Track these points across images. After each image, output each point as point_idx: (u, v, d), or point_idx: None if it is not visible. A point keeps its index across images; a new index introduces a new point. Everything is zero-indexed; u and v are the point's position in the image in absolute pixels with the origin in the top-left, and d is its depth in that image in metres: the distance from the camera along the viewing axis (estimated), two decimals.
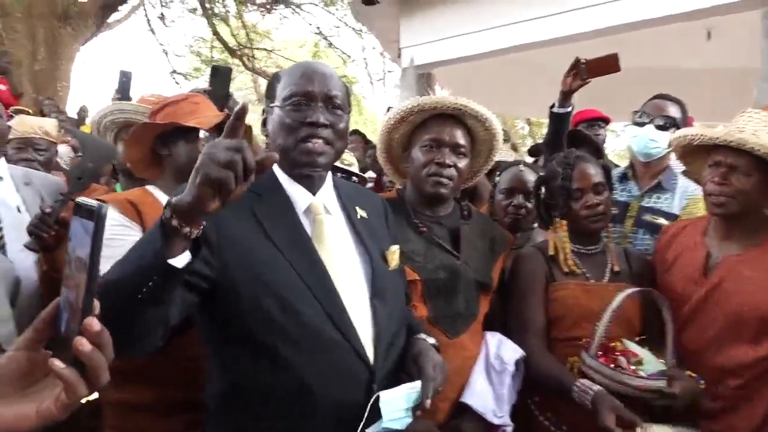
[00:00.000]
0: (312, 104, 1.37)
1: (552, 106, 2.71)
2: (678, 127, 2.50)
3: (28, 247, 2.05)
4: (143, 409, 1.79)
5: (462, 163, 1.87)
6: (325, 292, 1.32)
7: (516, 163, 2.55)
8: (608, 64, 2.57)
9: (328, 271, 1.35)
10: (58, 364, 0.69)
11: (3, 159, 2.46)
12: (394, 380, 1.40)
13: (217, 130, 1.92)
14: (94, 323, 0.71)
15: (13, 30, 9.50)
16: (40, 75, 9.62)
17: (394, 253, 1.51)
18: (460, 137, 1.88)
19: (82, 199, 0.73)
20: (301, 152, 1.37)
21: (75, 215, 0.72)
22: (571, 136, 2.98)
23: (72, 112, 8.26)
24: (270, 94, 1.44)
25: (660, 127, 2.52)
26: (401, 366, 1.45)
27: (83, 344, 0.70)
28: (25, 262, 2.16)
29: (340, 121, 1.41)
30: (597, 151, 3.08)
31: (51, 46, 9.76)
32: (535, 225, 2.47)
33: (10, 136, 3.06)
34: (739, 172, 1.84)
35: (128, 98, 3.50)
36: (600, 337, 1.80)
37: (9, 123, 3.18)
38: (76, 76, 10.70)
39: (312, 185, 1.43)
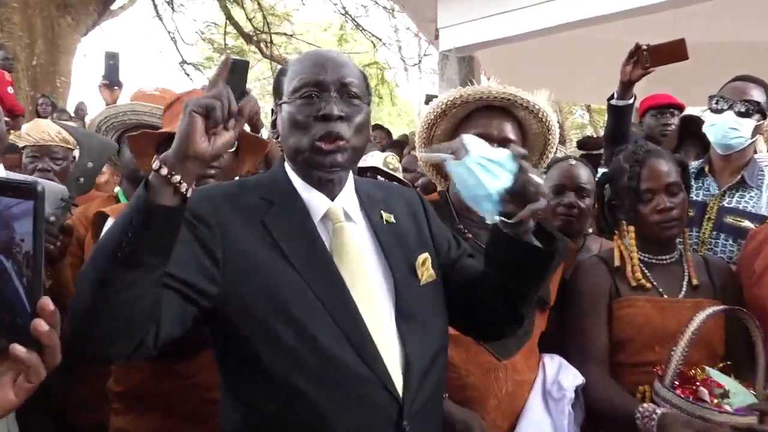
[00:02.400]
0: (324, 95, 1.36)
1: (611, 98, 2.67)
2: (763, 114, 2.46)
3: None
4: None
5: None
6: (345, 314, 1.31)
7: (565, 157, 2.47)
8: (674, 51, 2.56)
9: (348, 291, 1.33)
10: (20, 348, 0.78)
11: (1, 165, 2.53)
12: (428, 415, 1.38)
13: None
14: (49, 303, 0.79)
15: (9, 21, 9.82)
16: (38, 70, 9.90)
17: (424, 263, 1.47)
18: (510, 131, 1.87)
19: (8, 177, 0.81)
20: (316, 153, 1.35)
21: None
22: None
23: (71, 109, 8.49)
24: (278, 91, 1.44)
25: (741, 114, 2.47)
26: (439, 398, 1.44)
27: (42, 325, 0.78)
28: None
29: (358, 113, 1.39)
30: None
31: (49, 38, 10.04)
32: (590, 230, 2.43)
33: (25, 143, 3.15)
34: None
35: (118, 83, 3.68)
36: (677, 363, 1.76)
37: (24, 126, 3.29)
38: (77, 70, 10.99)
39: (331, 189, 1.42)
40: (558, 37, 5.95)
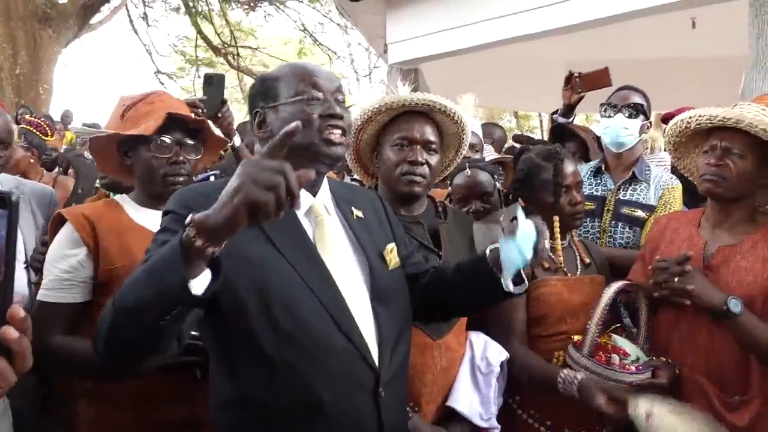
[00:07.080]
0: (325, 97, 1.39)
1: (554, 113, 2.78)
2: (645, 115, 2.64)
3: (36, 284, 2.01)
4: (123, 429, 1.74)
5: (434, 159, 1.89)
6: (330, 296, 1.33)
7: (461, 168, 2.38)
8: (600, 78, 2.79)
9: (332, 275, 1.36)
10: None
11: None
12: (399, 384, 1.43)
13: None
14: (19, 311, 0.74)
15: None
16: (22, 79, 9.59)
17: (391, 252, 1.52)
18: (431, 134, 1.90)
19: None
20: (326, 143, 1.37)
21: None
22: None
23: (55, 116, 8.23)
24: (270, 95, 1.42)
25: (629, 116, 2.61)
26: (406, 370, 1.49)
27: (11, 332, 0.73)
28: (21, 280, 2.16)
29: (349, 117, 1.44)
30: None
31: (32, 49, 9.74)
32: None
33: None
34: (734, 155, 1.87)
35: None
36: (593, 335, 1.87)
37: None
38: (59, 79, 10.70)
39: (314, 185, 1.43)
40: (490, 52, 6.04)
